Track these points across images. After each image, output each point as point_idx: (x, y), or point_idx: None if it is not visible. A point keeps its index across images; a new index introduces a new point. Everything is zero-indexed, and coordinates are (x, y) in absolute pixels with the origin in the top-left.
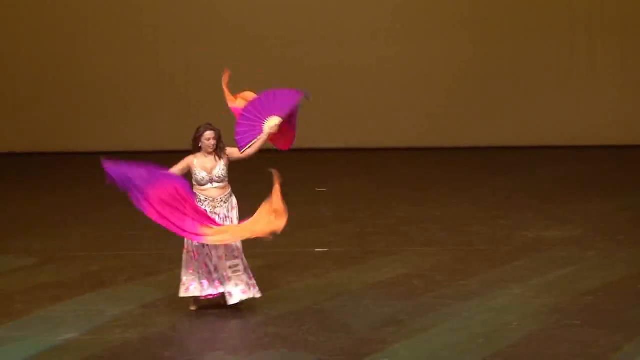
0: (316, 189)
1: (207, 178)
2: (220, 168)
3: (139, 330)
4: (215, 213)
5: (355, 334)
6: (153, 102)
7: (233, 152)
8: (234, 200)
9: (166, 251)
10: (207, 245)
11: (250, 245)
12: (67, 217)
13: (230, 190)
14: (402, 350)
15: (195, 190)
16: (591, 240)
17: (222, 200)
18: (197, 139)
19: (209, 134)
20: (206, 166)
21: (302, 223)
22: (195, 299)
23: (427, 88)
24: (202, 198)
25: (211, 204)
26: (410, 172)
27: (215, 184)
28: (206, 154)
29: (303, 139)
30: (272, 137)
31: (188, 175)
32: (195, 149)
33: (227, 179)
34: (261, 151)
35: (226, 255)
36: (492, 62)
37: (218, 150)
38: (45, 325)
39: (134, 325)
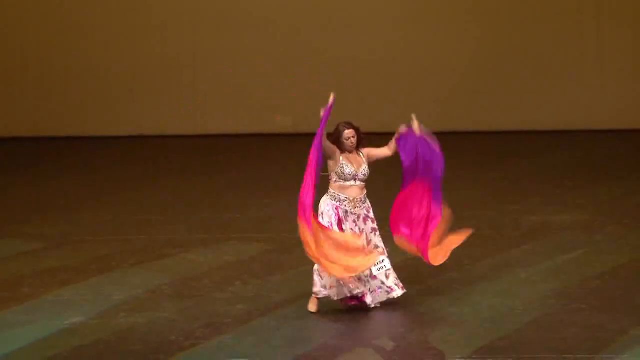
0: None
1: (353, 173)
2: (366, 167)
3: (146, 315)
4: (354, 213)
5: (363, 317)
6: (161, 87)
7: (372, 151)
8: (369, 202)
9: (173, 236)
10: None
11: (258, 230)
12: (74, 202)
13: (366, 192)
14: (409, 334)
15: (332, 189)
16: (599, 225)
17: (361, 201)
18: (337, 138)
19: (348, 132)
20: (353, 162)
21: None
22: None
23: (435, 73)
24: (342, 197)
25: (351, 203)
26: None
27: (359, 182)
28: (348, 153)
29: (313, 125)
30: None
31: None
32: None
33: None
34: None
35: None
36: (501, 47)
37: (360, 148)
38: (53, 309)
39: (140, 309)
